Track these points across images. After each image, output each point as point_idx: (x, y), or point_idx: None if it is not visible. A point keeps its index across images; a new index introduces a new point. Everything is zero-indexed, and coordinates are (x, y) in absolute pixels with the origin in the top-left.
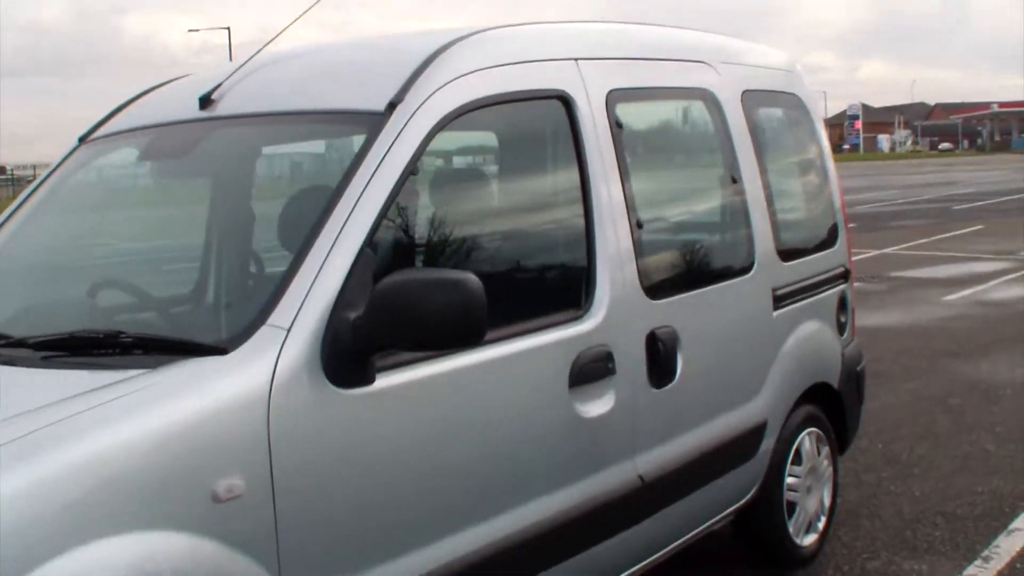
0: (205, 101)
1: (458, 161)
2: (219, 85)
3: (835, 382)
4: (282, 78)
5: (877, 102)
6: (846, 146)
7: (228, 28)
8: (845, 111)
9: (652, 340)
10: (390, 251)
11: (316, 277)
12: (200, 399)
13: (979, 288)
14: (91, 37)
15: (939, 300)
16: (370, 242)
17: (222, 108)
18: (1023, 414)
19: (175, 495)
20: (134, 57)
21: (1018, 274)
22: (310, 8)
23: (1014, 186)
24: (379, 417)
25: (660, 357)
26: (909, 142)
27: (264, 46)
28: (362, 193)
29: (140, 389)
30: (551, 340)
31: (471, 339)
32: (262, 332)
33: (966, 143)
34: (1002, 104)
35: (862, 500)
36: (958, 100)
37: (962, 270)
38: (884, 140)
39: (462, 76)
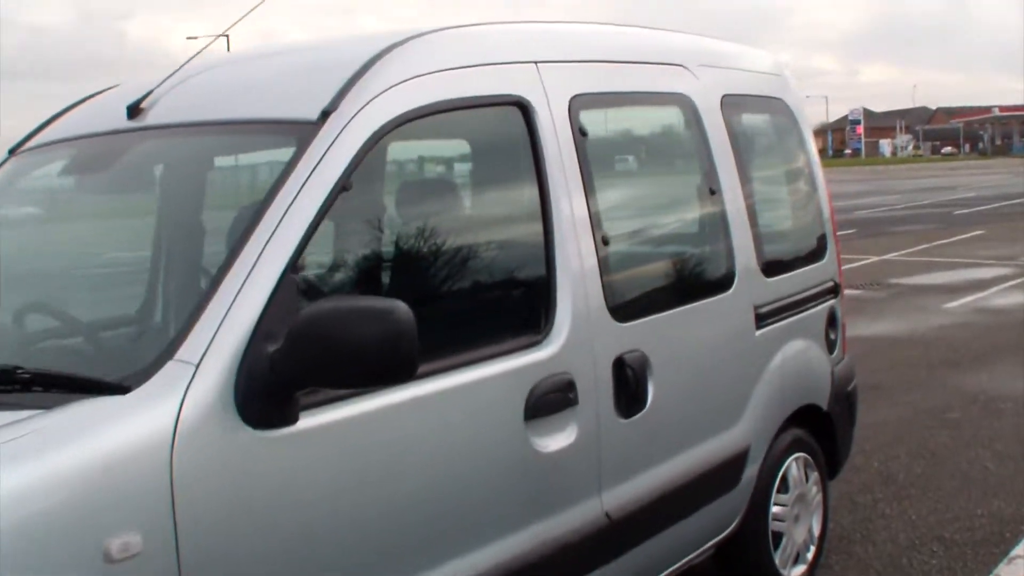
0: (133, 110)
1: (401, 174)
2: (148, 94)
3: (824, 404)
4: (217, 85)
5: (879, 107)
6: (848, 151)
7: (227, 36)
8: (847, 116)
9: (619, 366)
10: (319, 276)
11: (231, 306)
12: (92, 445)
13: (980, 295)
14: (93, 42)
15: (939, 308)
16: (295, 266)
17: (151, 117)
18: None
19: (60, 557)
20: (136, 61)
21: (1018, 280)
22: (253, 9)
23: (1015, 190)
24: (303, 461)
25: (628, 384)
26: (911, 147)
27: (197, 53)
28: (287, 211)
29: (26, 434)
30: (503, 370)
31: (400, 374)
32: (168, 368)
33: (967, 147)
34: (1003, 108)
35: (855, 524)
36: (959, 104)
37: (962, 276)
38: (886, 145)
39: (406, 81)
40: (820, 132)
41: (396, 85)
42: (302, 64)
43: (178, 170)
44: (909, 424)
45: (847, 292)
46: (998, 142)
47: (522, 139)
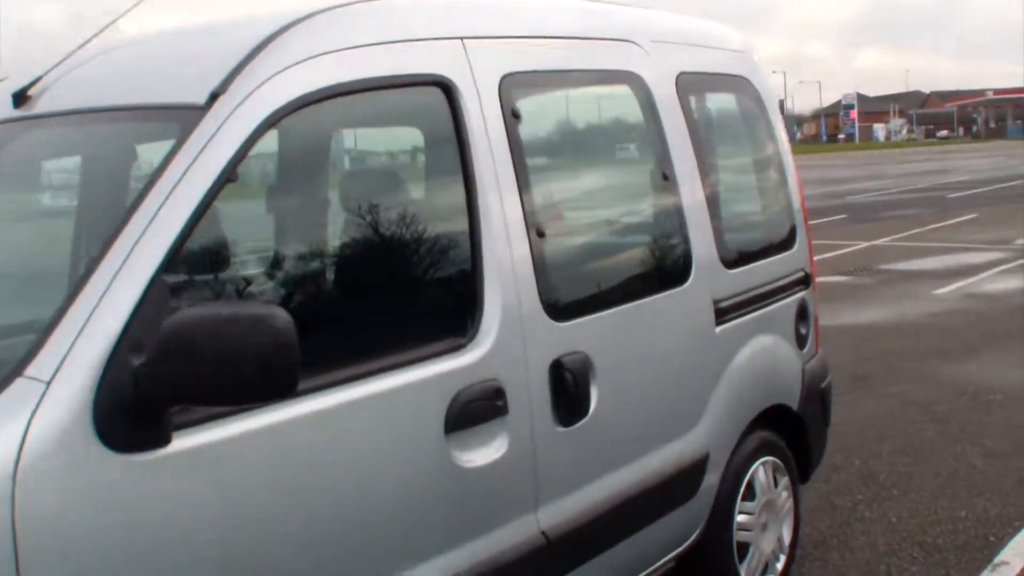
0: (20, 98)
1: (301, 164)
2: (36, 80)
3: (794, 403)
4: (110, 70)
5: (872, 91)
6: (841, 136)
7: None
8: (840, 101)
9: (557, 370)
10: (198, 280)
11: (92, 314)
12: None
13: (971, 280)
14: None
15: (929, 294)
16: (168, 268)
17: (40, 106)
18: (1013, 423)
19: None
20: None
21: (1011, 264)
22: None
23: (1008, 173)
24: (178, 488)
25: (568, 390)
26: (904, 131)
27: (89, 39)
28: (161, 206)
29: None
30: (419, 378)
31: (278, 389)
32: (14, 387)
33: (961, 131)
34: (996, 91)
35: (833, 529)
36: (953, 88)
37: (954, 261)
38: (880, 129)
39: (308, 60)
40: (814, 117)
41: (295, 64)
42: (199, 45)
43: (59, 162)
44: (894, 418)
45: (835, 279)
46: (992, 125)
47: (445, 123)
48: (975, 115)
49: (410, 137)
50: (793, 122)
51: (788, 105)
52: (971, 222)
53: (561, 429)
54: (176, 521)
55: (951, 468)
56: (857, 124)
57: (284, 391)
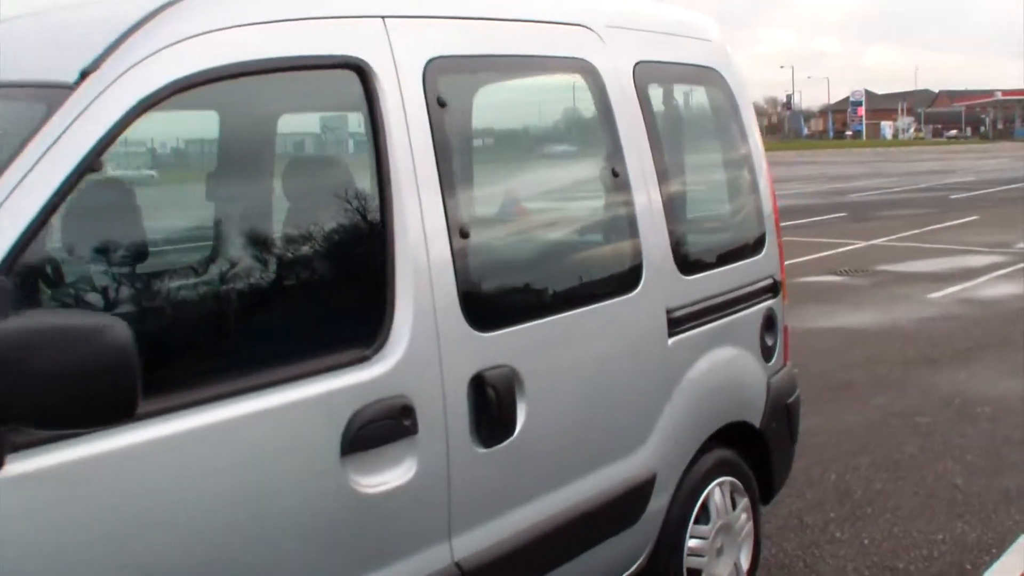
0: None
1: (185, 151)
2: None
3: (757, 420)
4: None
5: (881, 89)
6: (849, 132)
7: None
8: (848, 97)
9: (478, 385)
10: (44, 281)
11: None
12: None
13: (968, 284)
14: None
15: (923, 298)
16: (10, 268)
17: None
18: (999, 438)
19: None
20: None
21: (1010, 269)
22: None
23: (1014, 175)
24: (13, 516)
25: (490, 407)
26: (912, 129)
27: None
28: (6, 198)
29: None
30: (309, 395)
31: (112, 412)
32: None
33: (969, 131)
34: (1005, 92)
35: (800, 550)
36: (962, 88)
37: (952, 264)
38: (887, 127)
39: (196, 36)
40: (822, 113)
41: (180, 42)
42: (77, 20)
43: None
44: (876, 430)
45: (829, 279)
46: (1000, 126)
47: (358, 110)
48: (983, 115)
49: (317, 125)
50: (800, 117)
51: (796, 100)
52: (972, 224)
53: (481, 450)
54: (7, 554)
55: (931, 486)
56: (864, 121)
57: (120, 414)
